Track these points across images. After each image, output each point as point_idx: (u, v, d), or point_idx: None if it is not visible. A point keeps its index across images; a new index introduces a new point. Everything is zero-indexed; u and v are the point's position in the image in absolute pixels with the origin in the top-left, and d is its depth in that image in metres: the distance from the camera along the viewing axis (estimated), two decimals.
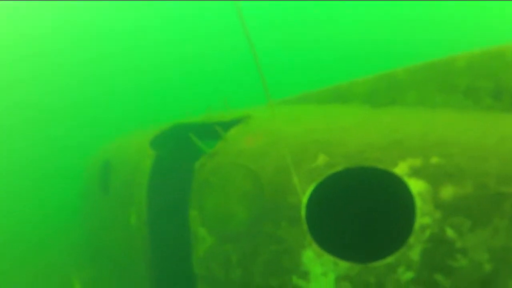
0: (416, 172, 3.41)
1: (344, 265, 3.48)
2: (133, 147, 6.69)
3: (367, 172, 3.88)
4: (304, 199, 3.73)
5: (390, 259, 3.31)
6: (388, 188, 4.43)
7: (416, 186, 3.35)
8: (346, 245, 4.47)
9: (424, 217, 3.21)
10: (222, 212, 4.24)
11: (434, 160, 3.42)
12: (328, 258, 3.56)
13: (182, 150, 7.48)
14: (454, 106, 4.19)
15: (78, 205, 9.51)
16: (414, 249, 3.22)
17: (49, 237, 10.51)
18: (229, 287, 4.20)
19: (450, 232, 3.10)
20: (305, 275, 3.68)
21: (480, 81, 4.03)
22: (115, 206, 6.63)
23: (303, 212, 3.71)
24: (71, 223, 10.47)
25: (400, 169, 3.48)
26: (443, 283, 3.12)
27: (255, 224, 3.96)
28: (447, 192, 3.23)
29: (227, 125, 5.14)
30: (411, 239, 3.25)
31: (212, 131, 5.98)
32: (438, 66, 4.32)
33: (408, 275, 3.24)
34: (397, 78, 4.67)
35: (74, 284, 7.45)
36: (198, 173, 4.58)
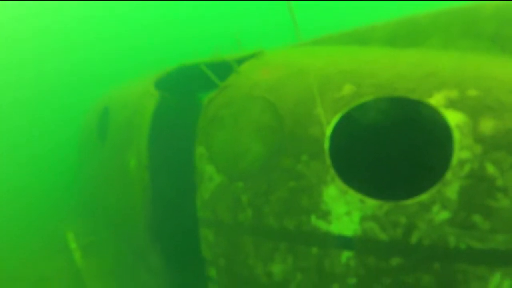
0: (453, 104, 3.03)
1: (371, 203, 3.07)
2: (134, 90, 6.24)
3: (399, 103, 3.47)
4: (328, 131, 3.31)
5: (423, 197, 2.91)
6: (422, 120, 4.00)
7: (453, 118, 2.97)
8: (374, 182, 4.04)
9: (463, 151, 2.86)
10: (234, 148, 3.82)
11: (472, 92, 3.03)
12: (353, 195, 3.14)
13: (189, 94, 7.05)
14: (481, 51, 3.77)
15: (75, 158, 9.08)
16: (451, 186, 2.83)
17: (43, 191, 10.10)
18: (237, 231, 3.79)
19: (490, 169, 2.75)
20: (325, 215, 3.26)
21: (508, 29, 3.65)
22: (113, 152, 6.22)
23: (326, 144, 3.29)
24: (67, 177, 10.05)
25: (436, 100, 3.08)
26: (482, 225, 2.74)
27: (271, 159, 3.55)
28: (487, 125, 2.87)
29: (240, 62, 4.68)
30: (448, 175, 2.85)
31: (223, 72, 5.56)
32: (463, 12, 3.96)
33: (444, 215, 2.85)
34: (420, 23, 4.25)
35: (67, 236, 7.07)
36: (207, 108, 4.15)
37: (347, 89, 3.42)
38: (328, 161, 3.26)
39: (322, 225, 3.28)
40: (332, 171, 3.23)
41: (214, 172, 3.94)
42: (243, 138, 3.76)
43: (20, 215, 8.80)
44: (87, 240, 6.95)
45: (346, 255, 3.15)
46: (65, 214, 8.27)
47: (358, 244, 3.09)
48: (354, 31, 5.03)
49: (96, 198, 7.19)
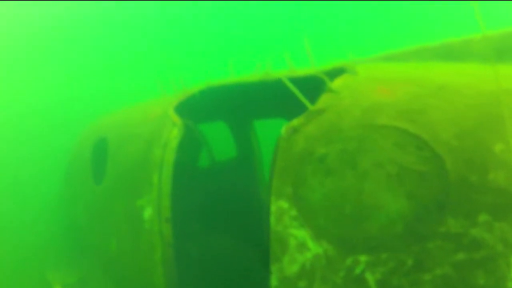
0: None
1: None
2: (144, 117, 4.85)
3: None
4: None
5: None
6: None
7: None
8: None
9: None
10: (351, 204, 2.54)
11: None
12: None
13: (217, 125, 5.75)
14: None
15: (60, 197, 7.52)
16: None
17: (26, 232, 8.39)
18: None
19: None
20: None
21: None
22: (114, 196, 4.78)
23: None
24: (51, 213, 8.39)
25: None
26: None
27: (424, 221, 2.23)
28: None
29: (304, 82, 3.38)
30: None
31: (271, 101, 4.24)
32: None
33: None
34: None
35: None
36: (293, 142, 2.85)
37: None
38: None
39: None
40: None
41: (309, 239, 2.62)
42: (367, 189, 2.44)
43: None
44: None
45: None
46: (50, 262, 6.67)
47: None
48: (441, 45, 3.88)
49: (90, 249, 5.68)
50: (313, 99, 3.12)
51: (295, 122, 2.89)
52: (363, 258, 2.53)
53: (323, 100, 2.91)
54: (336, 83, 3.02)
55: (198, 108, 4.84)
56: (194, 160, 6.94)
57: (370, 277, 2.45)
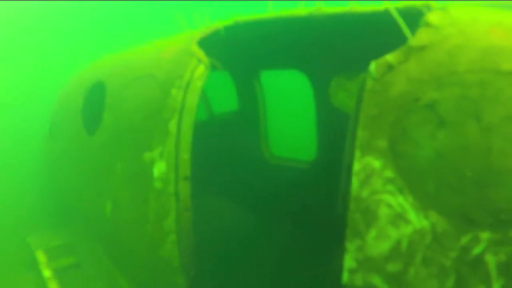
0: None
1: None
2: (155, 57, 4.04)
3: None
4: None
5: None
6: None
7: None
8: None
9: None
10: (472, 164, 1.96)
11: None
12: None
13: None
14: None
15: (44, 153, 6.63)
16: None
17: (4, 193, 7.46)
18: None
19: None
20: None
21: None
22: (113, 149, 4.01)
23: None
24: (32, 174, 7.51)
25: None
26: None
27: None
28: None
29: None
30: None
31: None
32: None
33: None
34: None
35: (38, 258, 4.72)
36: (383, 83, 2.17)
37: None
38: None
39: None
40: None
41: (410, 209, 1.94)
42: (496, 148, 1.84)
43: None
44: (65, 261, 4.69)
45: None
46: (34, 223, 5.88)
47: None
48: None
49: (78, 212, 4.90)
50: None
51: (390, 57, 2.19)
52: (485, 235, 1.92)
53: (423, 36, 2.20)
54: (432, 19, 2.29)
55: (221, 50, 4.04)
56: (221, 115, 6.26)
57: (490, 259, 1.88)
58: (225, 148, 6.14)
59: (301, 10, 3.30)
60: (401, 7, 2.44)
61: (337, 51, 4.26)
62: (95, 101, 4.77)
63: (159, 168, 3.41)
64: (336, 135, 4.70)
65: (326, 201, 4.33)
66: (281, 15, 3.32)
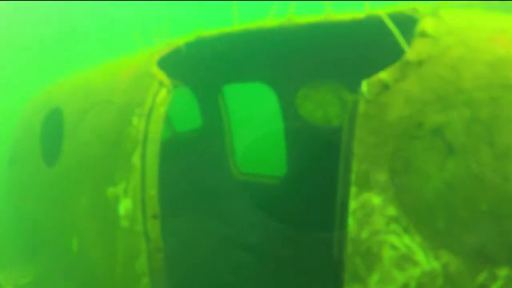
0: None
1: None
2: (112, 79, 3.69)
3: None
4: None
5: None
6: None
7: None
8: None
9: None
10: (488, 195, 1.71)
11: None
12: None
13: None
14: None
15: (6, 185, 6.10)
16: None
17: None
18: None
19: None
20: None
21: None
22: (75, 182, 3.65)
23: None
24: None
25: None
26: None
27: None
28: None
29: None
30: None
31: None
32: None
33: None
34: None
35: None
36: (379, 106, 1.89)
37: None
38: None
39: None
40: None
41: (419, 249, 1.70)
42: None
43: None
44: None
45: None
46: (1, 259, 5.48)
47: None
48: None
49: (45, 247, 4.51)
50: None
51: (385, 75, 1.89)
52: (502, 272, 1.67)
53: (420, 48, 1.92)
54: (427, 27, 2.02)
55: (182, 67, 3.72)
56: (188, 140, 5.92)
57: None
58: (190, 167, 5.81)
59: (267, 22, 3.05)
60: (389, 13, 2.16)
61: (304, 61, 4.02)
62: (52, 128, 4.39)
63: (125, 206, 3.08)
64: (306, 148, 4.45)
65: (298, 218, 4.11)
66: (245, 29, 3.06)
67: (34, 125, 4.64)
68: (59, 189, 3.88)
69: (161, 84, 3.03)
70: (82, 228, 3.53)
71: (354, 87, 2.08)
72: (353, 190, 1.87)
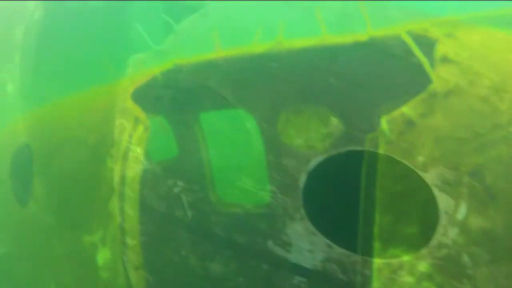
0: None
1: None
2: (83, 112, 3.38)
3: None
4: None
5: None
6: None
7: None
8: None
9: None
10: None
11: None
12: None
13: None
14: None
15: None
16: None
17: None
18: None
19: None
20: None
21: None
22: (50, 226, 3.33)
23: None
24: None
25: None
26: None
27: None
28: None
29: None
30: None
31: None
32: None
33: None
34: None
35: None
36: (404, 147, 1.58)
37: None
38: None
39: None
40: None
41: None
42: None
43: None
44: None
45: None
46: None
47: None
48: None
49: None
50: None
51: (409, 109, 1.60)
52: None
53: (444, 76, 1.64)
54: (449, 51, 1.75)
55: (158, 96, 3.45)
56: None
57: None
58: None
59: (249, 48, 2.79)
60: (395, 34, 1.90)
61: (286, 85, 3.82)
62: (22, 166, 4.06)
63: (103, 256, 2.78)
64: (289, 175, 4.26)
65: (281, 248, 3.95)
66: (225, 55, 2.79)
67: (3, 162, 4.32)
68: (33, 231, 3.61)
69: (137, 120, 2.72)
70: (59, 275, 3.31)
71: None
72: (376, 245, 1.59)
